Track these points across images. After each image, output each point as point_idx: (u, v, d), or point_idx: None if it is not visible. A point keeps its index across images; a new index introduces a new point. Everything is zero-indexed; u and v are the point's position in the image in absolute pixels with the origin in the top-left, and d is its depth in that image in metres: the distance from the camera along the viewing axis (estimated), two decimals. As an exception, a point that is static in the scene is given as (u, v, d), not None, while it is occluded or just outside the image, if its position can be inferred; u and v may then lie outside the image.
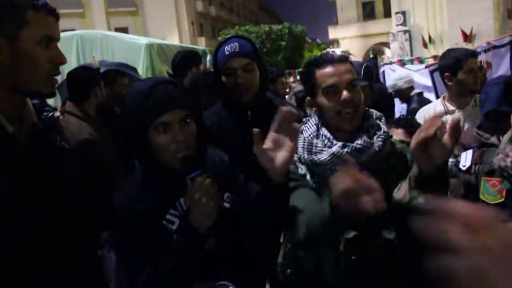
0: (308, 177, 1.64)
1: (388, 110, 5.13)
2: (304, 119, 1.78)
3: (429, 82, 6.22)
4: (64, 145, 1.56)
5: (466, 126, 2.81)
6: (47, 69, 1.39)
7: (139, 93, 1.45)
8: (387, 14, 29.71)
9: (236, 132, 2.21)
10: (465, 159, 1.81)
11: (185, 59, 3.64)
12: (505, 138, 1.93)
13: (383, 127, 1.66)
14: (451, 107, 3.02)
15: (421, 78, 7.00)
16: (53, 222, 1.45)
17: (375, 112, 1.72)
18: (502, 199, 1.72)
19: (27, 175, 1.41)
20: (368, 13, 34.74)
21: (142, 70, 6.47)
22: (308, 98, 1.72)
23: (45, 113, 1.54)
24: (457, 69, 2.95)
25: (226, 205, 1.59)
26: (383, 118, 1.71)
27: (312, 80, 1.66)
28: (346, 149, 1.57)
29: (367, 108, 1.72)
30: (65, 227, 1.48)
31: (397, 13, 24.07)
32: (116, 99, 3.49)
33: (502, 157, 1.76)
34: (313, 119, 1.73)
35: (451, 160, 1.89)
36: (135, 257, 1.47)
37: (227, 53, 2.15)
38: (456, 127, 1.27)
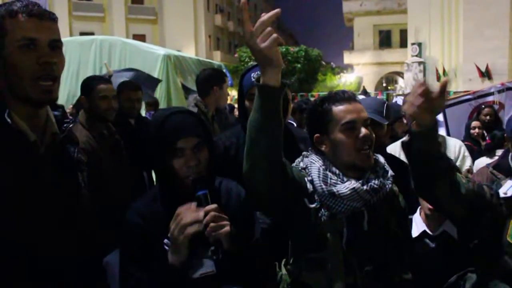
0: (322, 210, 1.63)
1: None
2: (304, 153, 1.79)
3: (440, 117, 6.24)
4: (80, 157, 1.58)
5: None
6: (32, 72, 1.37)
7: (158, 121, 1.63)
8: (403, 44, 29.87)
9: None
10: (510, 187, 1.81)
11: (208, 79, 3.64)
12: None
13: (390, 170, 1.71)
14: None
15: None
16: (60, 231, 1.46)
17: (380, 156, 1.76)
18: None
19: (44, 182, 1.43)
20: (384, 42, 34.93)
21: (157, 80, 6.58)
22: (317, 135, 1.71)
23: (65, 125, 1.55)
24: None
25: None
26: (386, 162, 1.75)
27: (327, 117, 1.67)
28: (365, 187, 1.59)
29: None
30: (71, 236, 1.50)
31: (413, 44, 24.18)
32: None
33: None
34: (314, 155, 1.73)
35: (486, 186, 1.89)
36: (131, 267, 1.57)
37: (253, 79, 2.20)
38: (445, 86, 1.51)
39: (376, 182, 1.61)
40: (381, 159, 1.74)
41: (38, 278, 1.41)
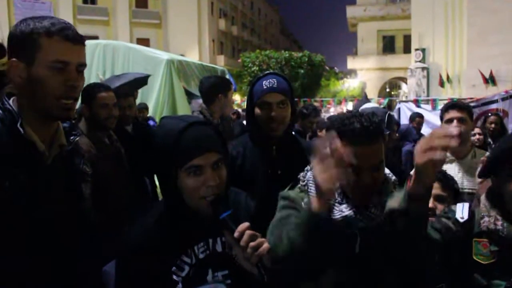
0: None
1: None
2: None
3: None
4: (85, 169, 1.61)
5: (460, 175, 2.96)
6: (58, 92, 1.43)
7: (172, 134, 1.41)
8: (407, 49, 29.84)
9: (259, 164, 2.26)
10: (462, 210, 1.79)
11: (213, 87, 3.62)
12: (483, 199, 1.87)
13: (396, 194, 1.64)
14: (450, 156, 3.10)
15: (435, 118, 7.05)
16: (59, 240, 1.48)
17: (393, 179, 1.68)
18: (494, 260, 1.68)
19: (47, 191, 1.47)
20: (388, 47, 34.92)
21: (161, 84, 6.60)
22: None
23: (72, 137, 1.60)
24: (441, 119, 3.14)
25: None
26: (397, 182, 1.68)
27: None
28: (358, 216, 1.55)
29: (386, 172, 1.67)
30: (70, 246, 1.52)
31: (416, 49, 24.17)
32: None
33: (491, 221, 1.75)
34: None
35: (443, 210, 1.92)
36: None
37: (265, 87, 2.19)
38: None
39: (373, 210, 1.56)
40: (391, 180, 1.67)
41: (37, 284, 1.43)
